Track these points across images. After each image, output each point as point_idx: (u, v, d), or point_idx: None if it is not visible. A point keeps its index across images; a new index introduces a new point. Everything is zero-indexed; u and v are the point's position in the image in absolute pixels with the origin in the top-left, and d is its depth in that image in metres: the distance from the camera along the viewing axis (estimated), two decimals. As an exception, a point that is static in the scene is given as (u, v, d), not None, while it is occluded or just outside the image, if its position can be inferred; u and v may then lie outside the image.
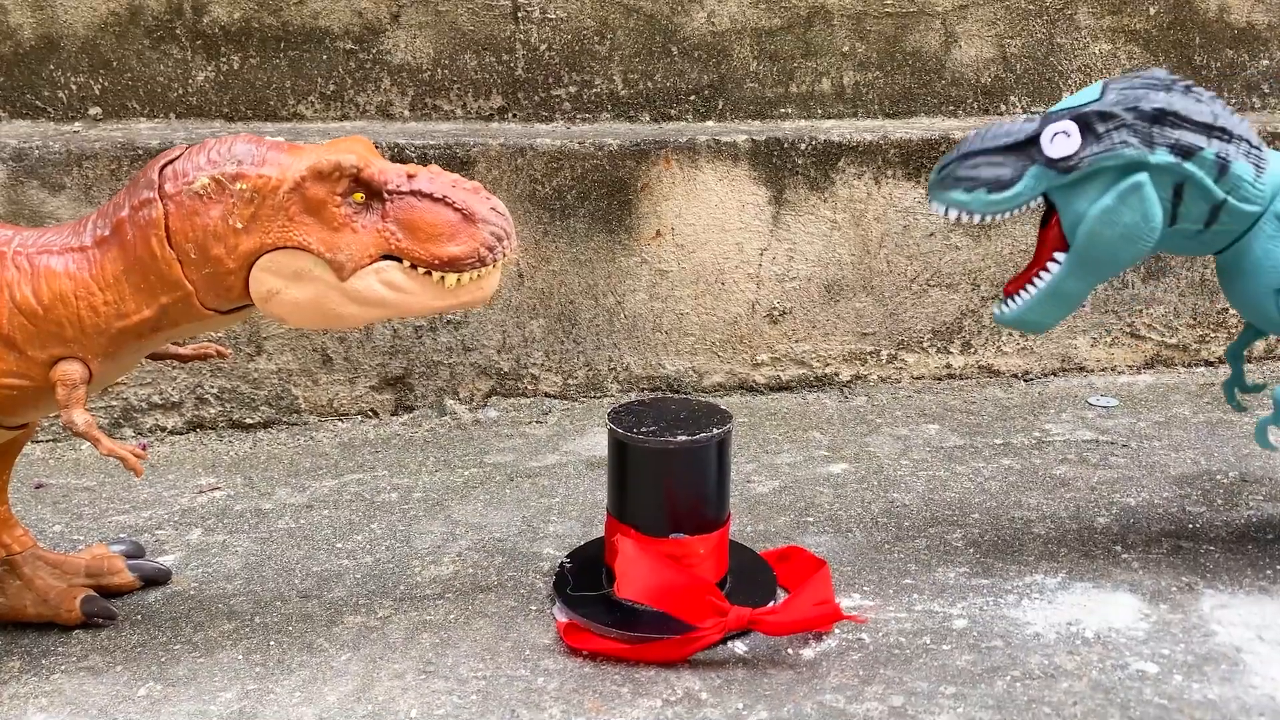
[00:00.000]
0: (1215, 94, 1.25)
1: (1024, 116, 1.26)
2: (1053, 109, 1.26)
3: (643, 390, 2.01)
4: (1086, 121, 1.22)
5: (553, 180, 1.91)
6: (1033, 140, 1.24)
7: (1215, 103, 1.24)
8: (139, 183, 1.08)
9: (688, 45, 2.09)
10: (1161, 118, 1.21)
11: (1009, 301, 1.30)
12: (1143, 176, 1.21)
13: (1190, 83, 1.25)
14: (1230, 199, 1.23)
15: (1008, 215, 1.26)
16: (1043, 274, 1.27)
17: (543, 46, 2.05)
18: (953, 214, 1.26)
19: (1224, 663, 1.16)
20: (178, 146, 1.10)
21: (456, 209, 1.07)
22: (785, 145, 1.96)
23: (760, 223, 1.97)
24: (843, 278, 2.02)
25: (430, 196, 1.07)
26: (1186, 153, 1.21)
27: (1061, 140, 1.22)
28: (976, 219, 1.26)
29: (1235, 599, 1.28)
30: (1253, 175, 1.23)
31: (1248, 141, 1.23)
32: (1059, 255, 1.26)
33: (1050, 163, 1.23)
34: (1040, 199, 1.26)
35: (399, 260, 1.08)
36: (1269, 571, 1.34)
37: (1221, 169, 1.22)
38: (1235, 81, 2.27)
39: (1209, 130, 1.22)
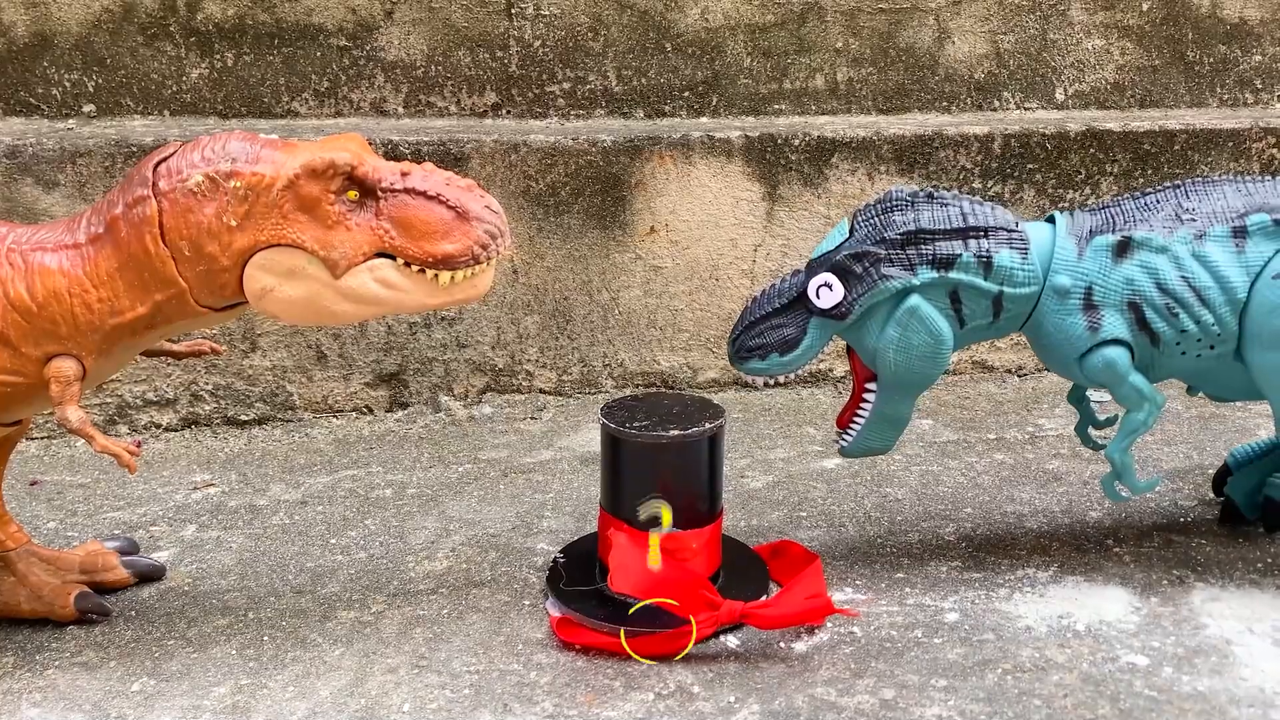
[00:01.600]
0: (957, 191, 1.27)
1: (790, 272, 1.31)
2: (812, 256, 1.27)
3: (637, 386, 2.01)
4: (843, 268, 1.23)
5: (547, 176, 1.91)
6: (804, 295, 1.25)
7: (961, 201, 1.24)
8: (133, 180, 1.09)
9: (681, 41, 2.09)
10: (912, 239, 1.22)
11: (844, 435, 1.32)
12: (915, 300, 1.22)
13: (931, 190, 1.25)
14: (1005, 288, 1.23)
15: (809, 364, 1.29)
16: (864, 405, 1.30)
17: (537, 43, 2.05)
18: (759, 380, 1.30)
19: (1214, 655, 1.17)
20: (171, 144, 1.11)
21: (450, 207, 1.07)
22: (779, 141, 1.96)
23: (754, 219, 1.98)
24: (836, 273, 2.02)
25: (424, 194, 1.07)
26: (947, 264, 1.22)
27: (826, 292, 1.24)
28: (781, 378, 1.29)
29: (1226, 592, 1.29)
30: (1019, 260, 1.23)
31: (1004, 229, 1.23)
32: (870, 385, 1.29)
33: (824, 313, 1.25)
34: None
35: (393, 258, 1.08)
36: (1259, 565, 1.35)
37: (986, 265, 1.22)
38: (1228, 77, 2.28)
39: (963, 234, 1.22)
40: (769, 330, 1.27)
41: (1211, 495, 1.53)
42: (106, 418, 1.84)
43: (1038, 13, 2.18)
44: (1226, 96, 2.29)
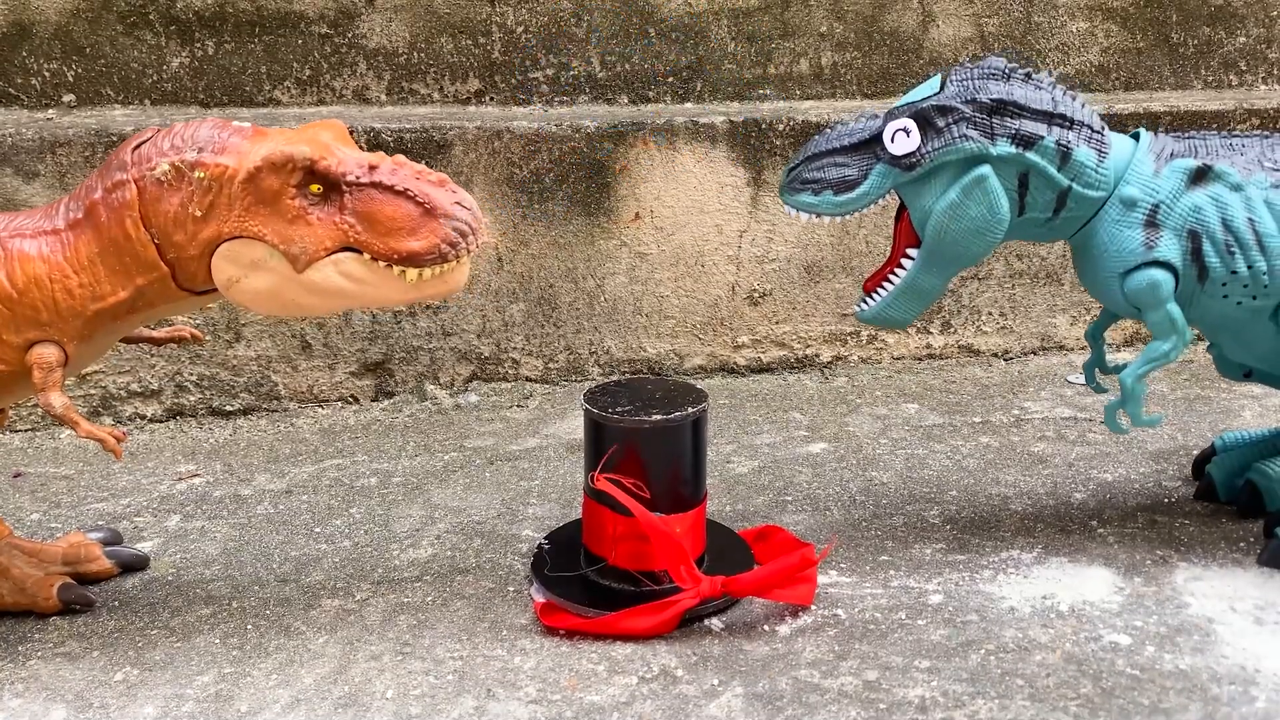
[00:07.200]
0: (1056, 80, 1.25)
1: (868, 114, 1.28)
2: (895, 105, 1.25)
3: (624, 373, 2.01)
4: (925, 117, 1.21)
5: (530, 163, 1.90)
6: (876, 138, 1.23)
7: (1056, 89, 1.23)
8: (111, 165, 1.08)
9: (665, 27, 2.08)
10: (1000, 108, 1.20)
11: (868, 299, 1.30)
12: (985, 169, 1.21)
13: (1029, 70, 1.24)
14: (1075, 185, 1.23)
15: (860, 212, 1.26)
16: (898, 270, 1.28)
17: (519, 29, 2.04)
18: (803, 216, 1.27)
19: (1196, 633, 1.17)
20: (150, 129, 1.10)
21: (418, 202, 1.05)
22: (763, 126, 1.95)
23: (739, 204, 1.97)
24: (822, 259, 2.02)
25: (391, 189, 1.05)
26: (1027, 142, 1.20)
27: (902, 138, 1.22)
28: (826, 220, 1.26)
29: (1208, 571, 1.29)
30: (1095, 161, 1.22)
31: (1089, 127, 1.23)
32: (911, 251, 1.26)
33: (894, 160, 1.22)
34: (893, 192, 1.26)
35: (359, 252, 1.07)
36: (1242, 544, 1.35)
37: (1064, 156, 1.21)
38: (1212, 59, 2.28)
39: (1049, 118, 1.21)
40: (830, 166, 1.24)
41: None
42: (91, 408, 1.83)
43: (1022, -4, 2.17)
44: (1211, 78, 2.29)
